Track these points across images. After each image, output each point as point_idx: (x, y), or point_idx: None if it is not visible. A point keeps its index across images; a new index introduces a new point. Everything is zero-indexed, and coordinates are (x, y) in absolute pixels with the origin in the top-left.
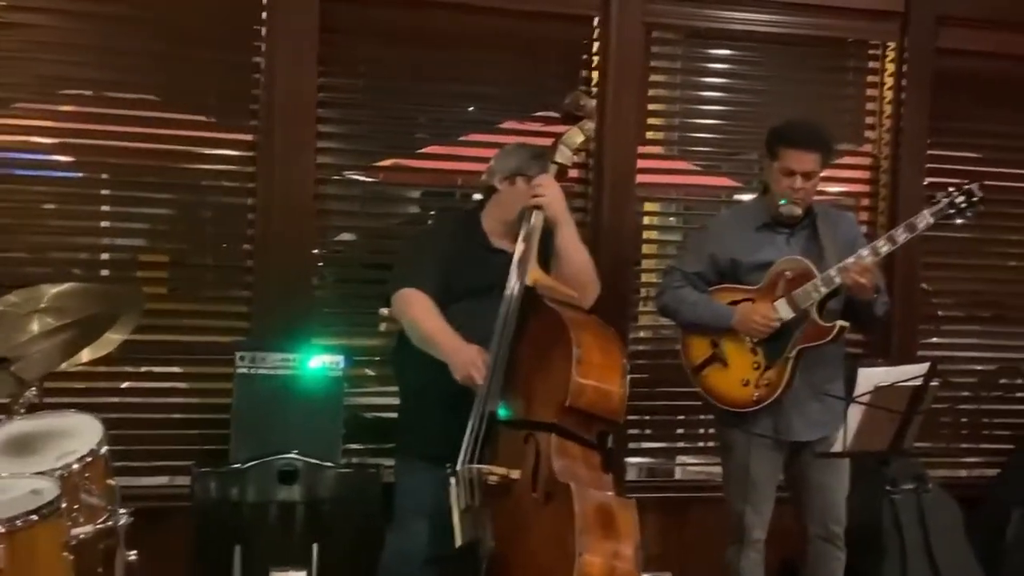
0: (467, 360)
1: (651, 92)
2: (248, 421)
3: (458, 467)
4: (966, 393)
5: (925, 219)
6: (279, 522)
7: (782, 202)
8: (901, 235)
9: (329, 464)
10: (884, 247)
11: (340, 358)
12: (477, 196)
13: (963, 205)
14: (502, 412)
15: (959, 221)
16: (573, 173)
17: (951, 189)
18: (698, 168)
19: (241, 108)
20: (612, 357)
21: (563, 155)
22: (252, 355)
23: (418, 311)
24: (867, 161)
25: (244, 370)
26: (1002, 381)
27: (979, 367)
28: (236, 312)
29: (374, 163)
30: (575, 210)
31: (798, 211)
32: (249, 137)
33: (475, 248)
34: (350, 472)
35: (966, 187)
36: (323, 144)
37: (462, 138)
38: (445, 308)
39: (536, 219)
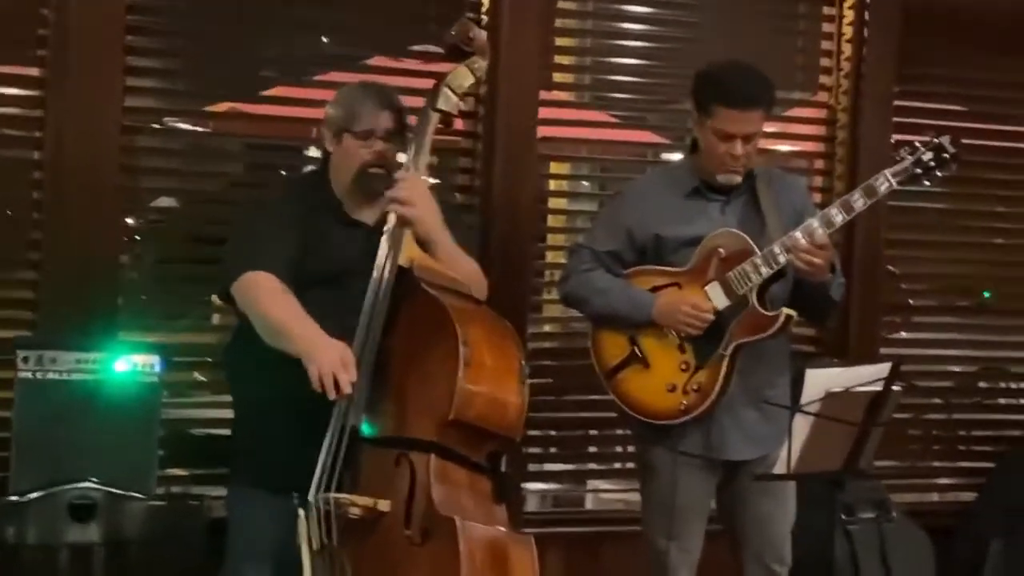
0: (332, 359)
1: (558, 22)
2: (32, 440)
3: (310, 497)
4: (939, 400)
5: (886, 181)
6: (71, 570)
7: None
8: (858, 201)
9: (139, 495)
10: (838, 216)
11: (156, 359)
12: (314, 152)
13: (932, 164)
14: (367, 428)
15: (927, 183)
16: (458, 124)
17: (917, 143)
18: (617, 120)
19: (23, 33)
20: (507, 358)
21: (447, 101)
22: (38, 355)
23: (269, 298)
24: (821, 113)
25: (28, 374)
26: (983, 385)
27: (956, 368)
28: (18, 299)
29: (203, 108)
30: (460, 172)
31: (737, 179)
32: (34, 71)
33: (328, 220)
34: (166, 505)
35: (935, 141)
36: (134, 82)
37: (318, 78)
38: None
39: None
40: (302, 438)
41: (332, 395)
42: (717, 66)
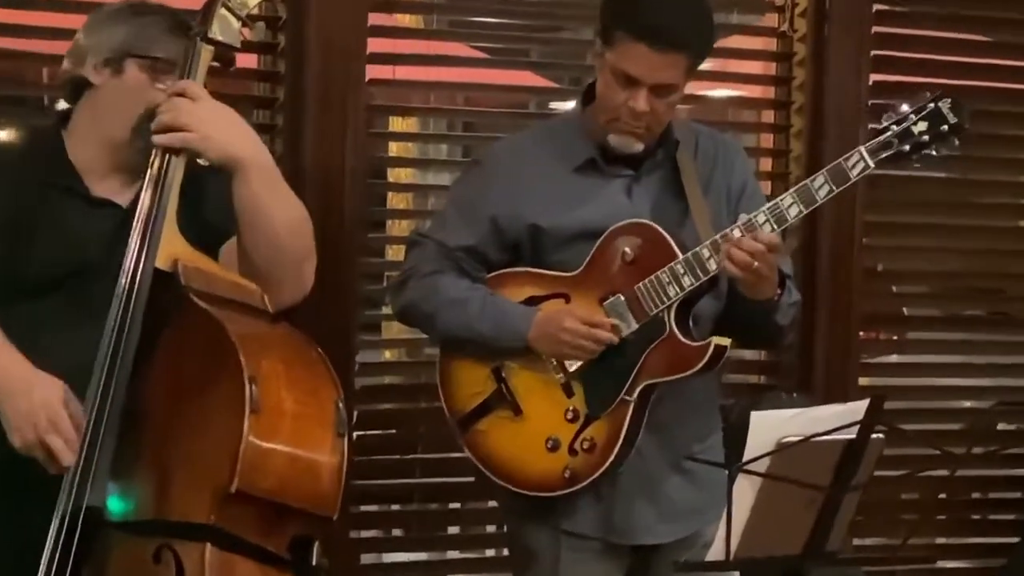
0: (37, 408)
1: None
2: None
3: None
4: (939, 451)
5: (860, 161)
6: None
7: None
8: (822, 188)
9: None
10: (794, 208)
11: None
12: (62, 104)
13: (925, 138)
14: (115, 506)
15: (917, 165)
16: (247, 61)
17: (905, 108)
18: (484, 55)
19: None
20: (317, 400)
21: (224, 28)
22: None
23: None
24: (772, 45)
25: None
26: (1003, 427)
27: (967, 403)
28: None
29: None
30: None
31: (636, 147)
32: None
33: (59, 196)
34: None
35: (931, 105)
36: None
37: None
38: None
39: (173, 166)
40: (15, 524)
41: (52, 467)
42: None
